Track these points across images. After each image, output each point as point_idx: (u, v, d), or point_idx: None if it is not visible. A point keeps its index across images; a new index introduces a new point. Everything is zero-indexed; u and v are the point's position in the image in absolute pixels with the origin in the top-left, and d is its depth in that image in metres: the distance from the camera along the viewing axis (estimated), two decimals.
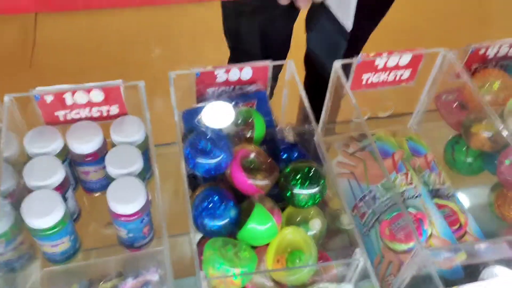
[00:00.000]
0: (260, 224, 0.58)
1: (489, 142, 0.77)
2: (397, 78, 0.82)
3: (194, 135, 0.62)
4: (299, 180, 0.61)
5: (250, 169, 0.64)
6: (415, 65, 0.81)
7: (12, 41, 2.06)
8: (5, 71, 1.89)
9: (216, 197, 0.59)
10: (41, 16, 2.14)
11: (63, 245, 0.66)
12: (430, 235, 0.70)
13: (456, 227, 0.74)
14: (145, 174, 0.72)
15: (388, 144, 0.81)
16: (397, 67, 0.80)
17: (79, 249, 0.71)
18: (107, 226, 0.74)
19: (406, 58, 0.79)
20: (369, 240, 0.74)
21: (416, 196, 0.74)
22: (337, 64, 0.76)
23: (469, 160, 0.81)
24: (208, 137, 0.61)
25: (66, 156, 0.72)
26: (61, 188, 0.67)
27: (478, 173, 0.82)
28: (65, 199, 0.68)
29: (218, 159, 0.60)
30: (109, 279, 0.64)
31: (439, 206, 0.75)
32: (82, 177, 0.75)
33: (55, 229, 0.63)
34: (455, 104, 0.83)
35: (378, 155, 0.70)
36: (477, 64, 0.83)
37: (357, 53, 0.80)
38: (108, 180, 0.75)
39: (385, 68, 0.80)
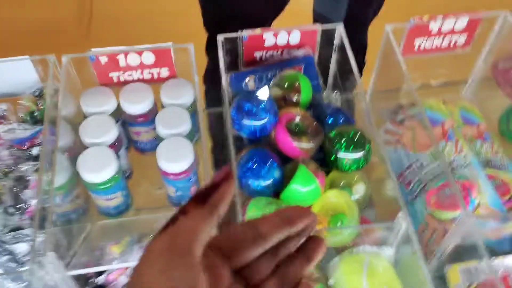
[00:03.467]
0: (303, 185, 0.59)
1: None
2: (452, 44, 0.79)
3: (240, 97, 0.62)
4: (344, 144, 0.61)
5: (295, 132, 0.64)
6: (472, 29, 0.77)
7: (70, 12, 2.13)
8: (64, 41, 1.97)
9: (261, 158, 0.61)
10: None
11: (116, 199, 0.70)
12: (478, 205, 0.68)
13: (507, 197, 0.71)
14: (193, 136, 0.74)
15: (439, 112, 0.79)
16: (452, 31, 0.77)
17: (131, 205, 0.75)
18: (159, 188, 0.77)
19: (462, 22, 0.76)
20: (414, 208, 0.73)
21: (466, 165, 0.72)
22: (389, 28, 0.74)
23: None
24: (254, 99, 0.61)
25: (119, 116, 0.75)
26: (115, 146, 0.70)
27: None
28: (118, 156, 0.72)
29: (264, 121, 0.61)
30: (150, 234, 0.67)
31: (490, 177, 0.73)
32: (134, 137, 0.78)
33: (109, 184, 0.67)
34: None
35: (427, 122, 0.68)
36: None
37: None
38: (158, 140, 0.78)
39: (439, 33, 0.77)
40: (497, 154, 0.77)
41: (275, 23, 1.05)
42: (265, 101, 0.62)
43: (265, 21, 1.02)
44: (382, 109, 0.87)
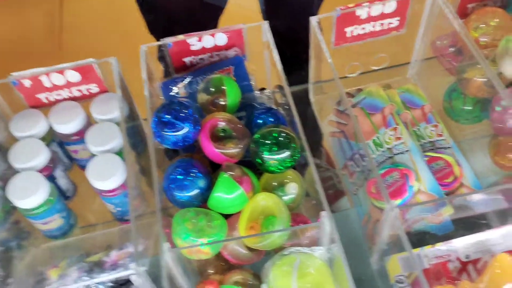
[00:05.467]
0: (227, 193, 0.58)
1: (486, 87, 0.71)
2: (385, 27, 0.78)
3: (158, 108, 0.61)
4: (267, 146, 0.60)
5: (222, 138, 0.63)
6: (403, 12, 0.75)
7: (40, 25, 2.11)
8: (37, 55, 1.95)
9: (184, 168, 0.60)
10: None
11: (55, 222, 0.69)
12: (418, 191, 0.67)
13: (450, 179, 0.70)
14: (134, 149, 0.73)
15: (379, 99, 0.78)
16: (382, 16, 0.75)
17: (75, 225, 0.74)
18: None
19: (391, 5, 0.74)
20: (358, 199, 0.72)
21: (405, 152, 0.71)
22: (314, 21, 0.72)
23: (467, 108, 0.76)
24: (171, 109, 0.60)
25: (54, 137, 0.74)
26: (48, 168, 0.70)
27: (478, 122, 0.77)
28: (53, 178, 0.71)
29: (184, 131, 0.60)
30: (95, 252, 0.66)
31: (434, 159, 0.72)
32: (73, 156, 0.77)
33: (42, 208, 0.66)
34: (451, 49, 0.78)
35: (351, 114, 0.67)
36: (475, 3, 0.77)
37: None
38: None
39: (369, 18, 0.75)
40: (441, 135, 0.76)
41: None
42: (183, 110, 0.60)
43: (207, 24, 1.01)
44: (327, 99, 0.86)
